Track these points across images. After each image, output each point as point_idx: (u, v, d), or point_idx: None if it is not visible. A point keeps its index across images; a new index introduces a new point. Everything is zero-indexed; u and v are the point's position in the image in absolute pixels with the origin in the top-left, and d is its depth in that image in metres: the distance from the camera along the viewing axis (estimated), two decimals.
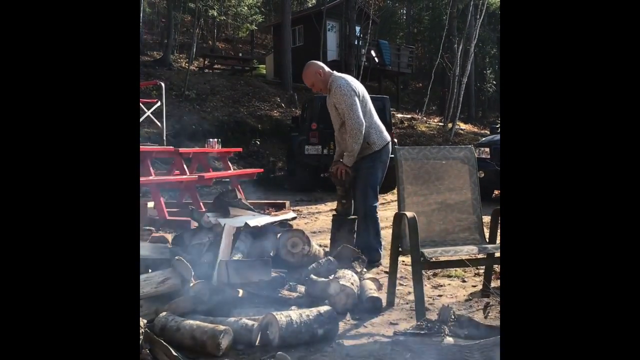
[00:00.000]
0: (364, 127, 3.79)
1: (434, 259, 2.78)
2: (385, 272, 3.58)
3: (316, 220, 6.40)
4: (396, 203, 3.19)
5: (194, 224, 4.04)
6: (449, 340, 2.18)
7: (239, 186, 6.46)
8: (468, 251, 2.89)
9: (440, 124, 19.43)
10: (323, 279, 3.02)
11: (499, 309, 2.58)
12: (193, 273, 2.85)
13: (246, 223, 3.30)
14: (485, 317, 2.65)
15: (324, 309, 2.63)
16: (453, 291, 3.46)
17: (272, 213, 3.96)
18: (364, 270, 3.47)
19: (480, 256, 3.06)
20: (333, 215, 4.19)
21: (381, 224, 4.16)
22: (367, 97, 3.99)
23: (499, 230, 3.16)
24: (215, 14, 18.46)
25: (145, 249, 3.16)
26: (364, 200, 3.96)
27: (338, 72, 4.03)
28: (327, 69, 4.00)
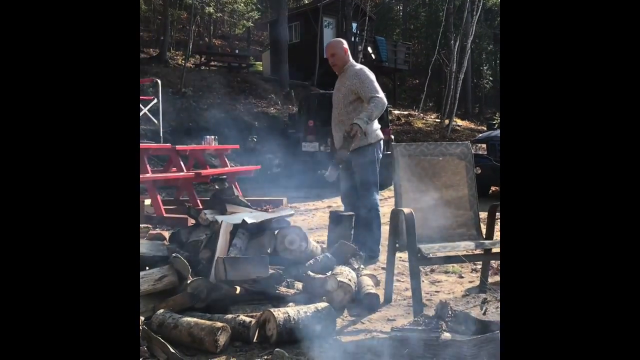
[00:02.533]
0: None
1: (431, 255, 2.79)
2: (383, 269, 3.59)
3: (313, 217, 6.40)
4: (393, 199, 3.19)
5: (191, 221, 4.04)
6: (447, 335, 2.19)
7: (236, 183, 6.45)
8: (465, 247, 2.90)
9: (437, 120, 19.43)
10: (320, 276, 3.02)
11: (496, 304, 2.59)
12: (190, 270, 2.85)
13: (243, 220, 3.30)
14: (483, 313, 2.65)
15: (321, 305, 2.64)
16: (450, 287, 3.46)
17: (270, 210, 3.94)
18: (362, 266, 3.47)
19: (477, 252, 3.07)
20: (330, 211, 4.19)
21: None
22: None
23: (496, 226, 3.17)
24: (212, 10, 18.39)
25: (143, 247, 3.15)
26: (370, 195, 4.01)
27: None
28: (350, 55, 4.17)
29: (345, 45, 4.14)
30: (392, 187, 3.81)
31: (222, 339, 2.35)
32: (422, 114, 19.98)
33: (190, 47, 17.70)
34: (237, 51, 22.14)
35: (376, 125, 4.09)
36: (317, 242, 3.81)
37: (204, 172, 6.26)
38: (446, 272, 3.78)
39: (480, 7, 17.89)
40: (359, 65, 4.10)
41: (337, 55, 4.08)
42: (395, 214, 3.01)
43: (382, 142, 4.11)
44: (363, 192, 4.03)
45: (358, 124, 3.74)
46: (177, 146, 6.37)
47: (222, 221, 3.24)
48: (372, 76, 4.00)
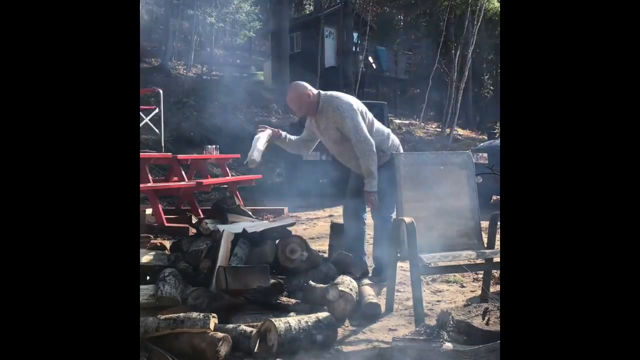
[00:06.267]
0: (374, 144, 3.48)
1: (432, 265, 2.78)
2: None
3: (315, 226, 6.40)
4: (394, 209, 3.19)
5: (192, 231, 4.04)
6: (448, 345, 2.18)
7: (237, 192, 6.45)
8: (466, 256, 2.89)
9: (438, 129, 19.46)
10: (322, 285, 3.01)
11: (497, 314, 2.58)
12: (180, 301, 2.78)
13: (244, 229, 3.30)
14: (487, 324, 2.64)
15: (322, 315, 2.63)
16: (452, 296, 3.45)
17: (271, 219, 3.94)
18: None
19: (478, 261, 3.06)
20: (332, 221, 4.19)
21: None
22: (365, 108, 3.67)
23: (497, 235, 3.16)
24: (213, 21, 18.48)
25: (144, 256, 3.15)
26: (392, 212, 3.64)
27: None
28: (314, 89, 3.62)
29: (304, 88, 3.58)
30: None
31: (224, 349, 2.34)
32: (423, 123, 20.01)
33: (192, 56, 17.78)
34: (238, 61, 22.21)
35: (385, 131, 3.68)
36: (319, 252, 3.81)
37: (205, 181, 6.26)
38: (448, 282, 3.76)
39: (481, 16, 17.96)
40: (332, 102, 3.52)
41: (303, 107, 3.59)
42: (396, 223, 3.00)
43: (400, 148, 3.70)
44: (389, 210, 3.62)
45: (369, 191, 3.46)
46: (178, 155, 6.37)
47: (223, 230, 3.24)
48: (347, 112, 3.47)
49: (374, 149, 3.47)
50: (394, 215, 3.58)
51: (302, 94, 3.54)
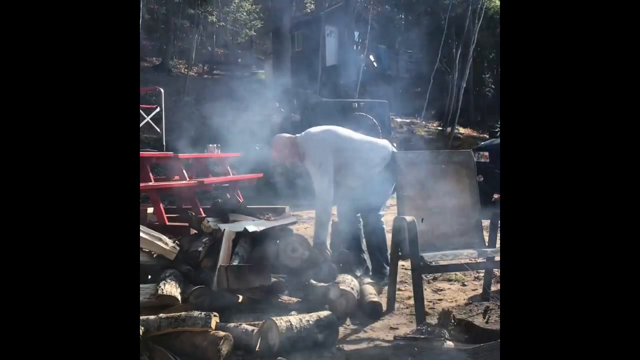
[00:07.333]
0: (332, 196, 3.48)
1: (433, 263, 2.78)
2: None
3: None
4: (395, 207, 3.19)
5: (194, 230, 4.03)
6: (449, 344, 2.18)
7: (238, 191, 6.45)
8: (468, 255, 2.90)
9: (439, 128, 19.45)
10: (323, 284, 3.01)
11: (499, 312, 2.58)
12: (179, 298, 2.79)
13: (245, 228, 3.30)
14: (486, 322, 2.64)
15: (324, 313, 2.63)
16: (453, 295, 3.45)
17: (272, 218, 3.94)
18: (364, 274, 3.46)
19: (479, 260, 3.06)
20: (333, 221, 4.18)
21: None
22: (348, 136, 3.61)
23: (498, 234, 3.16)
24: (214, 19, 18.49)
25: (145, 255, 3.15)
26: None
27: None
28: (292, 137, 3.67)
29: (285, 140, 3.65)
30: (394, 195, 3.77)
31: (225, 348, 2.34)
32: (424, 122, 20.00)
33: (193, 55, 17.79)
34: (239, 60, 22.20)
35: (378, 147, 3.54)
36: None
37: (206, 180, 6.25)
38: (449, 280, 3.76)
39: (482, 15, 17.95)
40: (307, 149, 3.56)
41: (289, 158, 3.69)
42: (397, 222, 3.00)
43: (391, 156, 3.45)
44: (378, 209, 3.66)
45: (321, 250, 3.38)
46: (179, 154, 6.37)
47: (224, 229, 3.24)
48: (315, 160, 3.48)
49: (330, 200, 3.47)
50: (382, 213, 3.70)
51: (284, 146, 3.63)
